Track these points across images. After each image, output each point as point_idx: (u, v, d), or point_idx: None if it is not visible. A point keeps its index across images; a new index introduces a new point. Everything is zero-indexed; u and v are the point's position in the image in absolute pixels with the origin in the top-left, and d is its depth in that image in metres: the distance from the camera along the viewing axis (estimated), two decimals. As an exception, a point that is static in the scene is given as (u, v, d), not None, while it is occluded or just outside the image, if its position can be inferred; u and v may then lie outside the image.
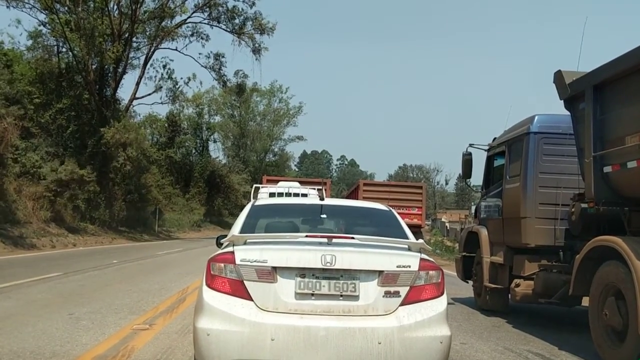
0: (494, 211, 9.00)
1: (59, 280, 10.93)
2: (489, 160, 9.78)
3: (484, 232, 9.21)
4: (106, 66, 33.58)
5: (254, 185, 21.10)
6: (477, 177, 10.43)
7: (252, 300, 3.65)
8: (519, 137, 8.36)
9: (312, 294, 3.68)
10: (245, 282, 3.68)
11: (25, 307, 7.70)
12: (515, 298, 8.01)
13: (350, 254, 3.77)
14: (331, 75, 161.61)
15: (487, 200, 9.43)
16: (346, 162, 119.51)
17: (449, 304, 3.94)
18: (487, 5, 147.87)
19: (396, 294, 3.72)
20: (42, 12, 31.05)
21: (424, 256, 3.93)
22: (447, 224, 58.76)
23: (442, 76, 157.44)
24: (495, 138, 9.59)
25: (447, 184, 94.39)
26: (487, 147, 9.81)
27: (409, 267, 3.78)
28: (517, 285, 7.94)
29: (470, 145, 9.77)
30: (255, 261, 3.70)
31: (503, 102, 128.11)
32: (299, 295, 3.67)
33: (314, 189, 20.13)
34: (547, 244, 7.78)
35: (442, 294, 3.87)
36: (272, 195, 17.74)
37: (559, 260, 7.69)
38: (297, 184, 20.75)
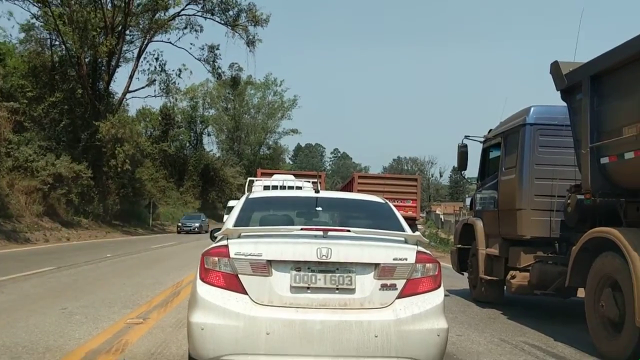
0: (489, 203, 8.97)
1: (52, 274, 10.86)
2: (485, 152, 9.74)
3: (479, 224, 9.18)
4: (99, 59, 33.43)
5: (248, 179, 21.05)
6: (473, 169, 10.42)
7: (246, 294, 3.61)
8: (515, 129, 8.32)
9: (308, 288, 3.64)
10: (239, 275, 3.64)
11: (18, 301, 7.63)
12: (511, 290, 7.99)
13: (346, 247, 3.73)
14: (324, 68, 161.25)
15: (482, 192, 9.40)
16: (339, 155, 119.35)
17: (444, 296, 3.91)
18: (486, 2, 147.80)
19: (393, 286, 3.69)
20: (34, 4, 30.80)
21: (421, 249, 3.89)
22: (441, 216, 58.68)
23: (436, 68, 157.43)
24: (491, 130, 9.55)
25: (441, 176, 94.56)
26: (482, 139, 9.77)
27: (406, 259, 3.74)
28: (513, 277, 7.92)
29: (466, 137, 9.73)
30: (249, 255, 3.65)
31: (498, 94, 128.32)
32: (295, 289, 3.63)
33: (309, 181, 20.13)
34: (543, 235, 7.76)
35: (439, 286, 3.85)
36: (266, 188, 17.70)
37: (554, 252, 7.70)
38: (291, 176, 20.72)
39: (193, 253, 17.19)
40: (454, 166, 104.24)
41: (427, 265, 3.81)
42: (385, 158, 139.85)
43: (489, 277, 8.67)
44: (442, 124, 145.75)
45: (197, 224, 37.08)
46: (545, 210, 7.74)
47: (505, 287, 8.54)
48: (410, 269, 3.73)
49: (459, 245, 10.11)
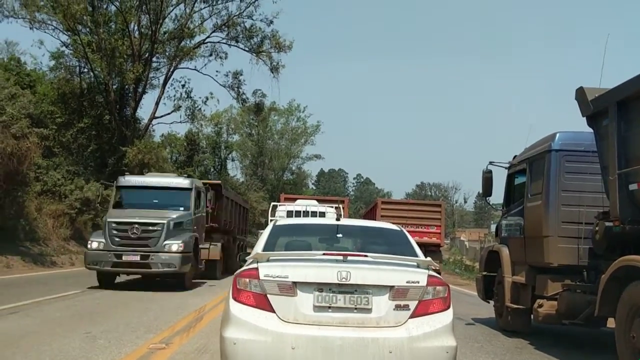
0: (515, 230, 8.85)
1: (77, 298, 10.96)
2: (510, 179, 9.64)
3: (505, 251, 9.04)
4: (126, 86, 34.03)
5: (272, 204, 21.09)
6: (498, 195, 10.29)
7: (274, 312, 3.99)
8: (541, 155, 8.23)
9: (329, 307, 4.02)
10: (268, 295, 4.03)
11: (43, 325, 7.70)
12: (538, 319, 7.81)
13: (364, 271, 4.11)
14: (348, 93, 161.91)
15: (508, 218, 9.28)
16: (362, 181, 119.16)
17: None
18: (507, 23, 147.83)
19: (406, 307, 4.05)
20: (64, 33, 31.62)
21: (432, 272, 4.26)
22: (466, 243, 57.99)
23: (460, 94, 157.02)
24: (515, 156, 9.47)
25: (465, 202, 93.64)
26: (507, 165, 9.68)
27: (418, 282, 4.10)
28: (540, 306, 7.75)
29: (491, 163, 9.64)
30: (277, 277, 4.04)
31: (522, 120, 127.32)
32: (317, 308, 4.01)
33: (332, 207, 20.12)
34: (571, 263, 7.60)
35: (448, 307, 4.20)
36: (290, 213, 17.71)
37: (582, 280, 7.51)
38: (314, 202, 20.71)
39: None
40: (478, 192, 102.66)
41: (438, 287, 4.17)
42: (408, 184, 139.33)
43: (515, 306, 8.50)
44: (466, 149, 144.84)
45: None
46: (573, 237, 7.60)
47: (532, 316, 8.35)
48: (422, 291, 4.09)
49: (485, 273, 9.94)
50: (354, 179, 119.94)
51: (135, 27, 34.07)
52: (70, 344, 6.44)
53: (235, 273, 4.27)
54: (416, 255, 4.61)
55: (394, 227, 5.53)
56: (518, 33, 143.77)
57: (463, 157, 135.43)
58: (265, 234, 5.05)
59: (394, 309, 4.02)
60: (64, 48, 32.53)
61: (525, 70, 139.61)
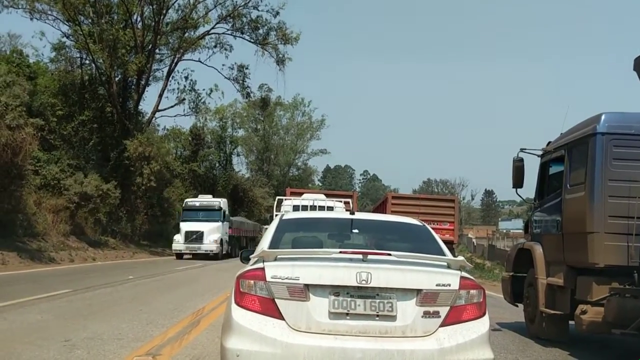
0: (551, 225, 7.86)
1: (66, 298, 10.09)
2: (544, 167, 8.60)
3: (538, 250, 8.04)
4: (129, 78, 33.30)
5: (277, 198, 20.29)
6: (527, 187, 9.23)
7: (283, 319, 3.50)
8: (583, 139, 7.20)
9: (347, 314, 3.52)
10: (276, 300, 3.54)
11: (18, 330, 6.82)
12: (582, 327, 6.79)
13: (387, 272, 3.60)
14: (352, 91, 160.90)
15: (541, 213, 8.29)
16: (369, 177, 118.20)
17: (494, 330, 3.16)
18: (513, 21, 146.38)
19: (436, 314, 3.57)
20: (65, 23, 30.94)
21: (465, 274, 3.75)
22: (474, 240, 57.12)
23: (465, 90, 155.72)
24: (550, 142, 8.46)
25: (473, 199, 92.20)
26: (540, 152, 8.65)
27: (449, 285, 3.62)
28: (584, 312, 6.74)
29: (522, 150, 8.55)
30: (286, 278, 3.54)
31: (526, 116, 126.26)
32: (333, 315, 3.51)
33: (341, 201, 19.28)
34: (620, 263, 6.59)
35: (484, 314, 3.73)
36: (296, 208, 16.89)
37: (633, 283, 6.52)
38: (322, 196, 19.93)
39: (219, 276, 16.38)
40: (485, 189, 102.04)
41: (472, 291, 3.69)
42: (415, 180, 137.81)
43: (551, 311, 7.50)
44: (473, 146, 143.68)
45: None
46: (622, 234, 6.59)
47: (571, 322, 7.38)
48: (453, 295, 3.62)
49: (512, 273, 8.95)
50: (361, 175, 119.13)
51: (138, 18, 33.31)
52: (42, 355, 5.55)
53: (237, 274, 3.74)
54: (444, 254, 4.09)
55: (416, 222, 5.00)
56: (526, 28, 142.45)
57: (470, 153, 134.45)
58: (271, 229, 4.52)
59: (422, 317, 3.53)
60: (64, 39, 31.83)
61: (532, 66, 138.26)
